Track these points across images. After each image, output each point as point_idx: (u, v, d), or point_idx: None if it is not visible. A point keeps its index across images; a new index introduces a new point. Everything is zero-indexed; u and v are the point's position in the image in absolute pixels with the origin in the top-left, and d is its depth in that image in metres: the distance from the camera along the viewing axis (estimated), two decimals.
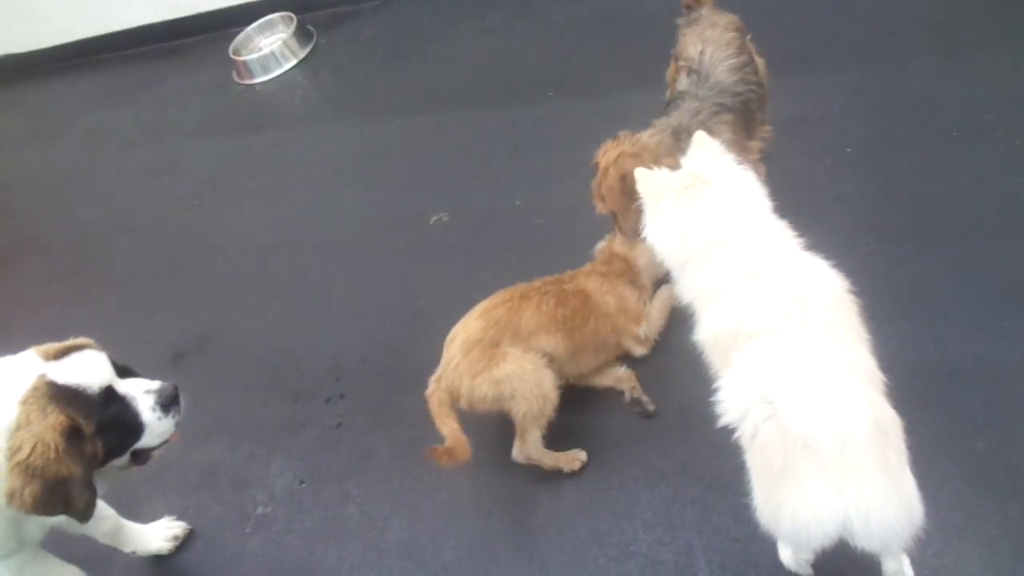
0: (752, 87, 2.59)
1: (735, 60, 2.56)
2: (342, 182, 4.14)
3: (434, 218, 3.63)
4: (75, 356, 1.90)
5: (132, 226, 4.42)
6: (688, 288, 1.99)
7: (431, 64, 4.73)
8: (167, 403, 2.04)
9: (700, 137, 2.05)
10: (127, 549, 2.62)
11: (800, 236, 1.99)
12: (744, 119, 2.57)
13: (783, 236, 1.94)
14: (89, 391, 1.87)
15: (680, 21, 2.81)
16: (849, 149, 3.09)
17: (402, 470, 2.71)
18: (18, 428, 1.76)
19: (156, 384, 2.05)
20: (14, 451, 1.75)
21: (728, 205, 1.92)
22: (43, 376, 1.82)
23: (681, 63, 2.68)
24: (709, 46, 2.57)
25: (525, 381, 2.33)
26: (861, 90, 3.31)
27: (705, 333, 1.93)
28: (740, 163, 2.05)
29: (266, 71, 5.21)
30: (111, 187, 4.85)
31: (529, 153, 3.76)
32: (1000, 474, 2.09)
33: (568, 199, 3.41)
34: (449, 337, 2.54)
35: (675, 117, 2.53)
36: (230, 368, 3.34)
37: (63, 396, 1.81)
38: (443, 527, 2.51)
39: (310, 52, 5.29)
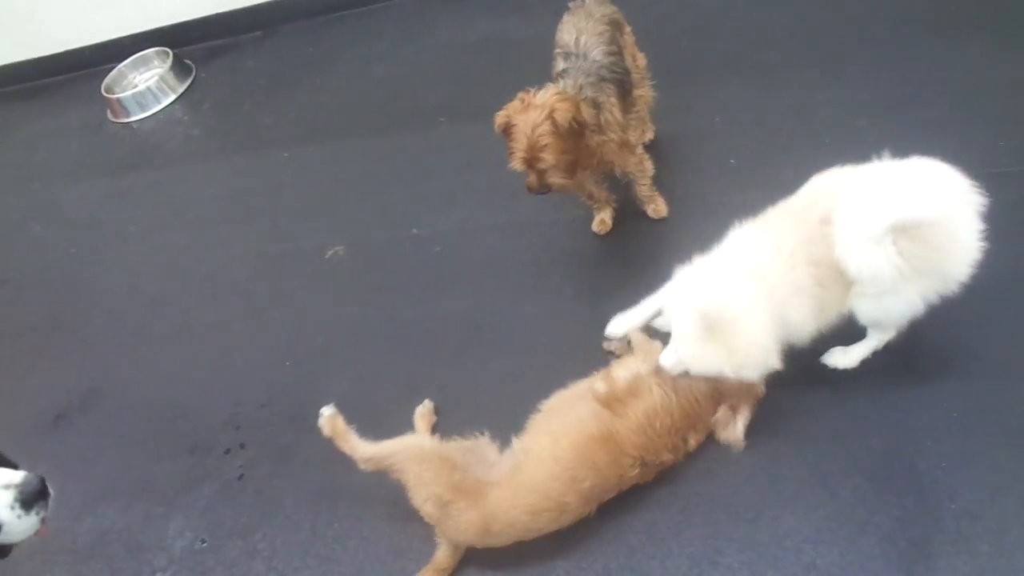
0: (621, 73, 2.75)
1: (607, 47, 2.72)
2: (231, 220, 3.98)
3: (330, 252, 3.53)
4: None
5: (2, 279, 4.13)
6: None
7: (318, 94, 4.63)
8: (29, 499, 1.81)
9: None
10: None
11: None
12: (621, 93, 2.73)
13: None
14: None
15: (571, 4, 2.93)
16: (733, 160, 3.19)
17: (311, 518, 2.59)
18: None
19: (18, 477, 1.82)
20: None
21: None
22: None
23: (557, 50, 2.79)
24: (583, 35, 2.72)
25: None
26: (741, 103, 3.42)
27: None
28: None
29: (143, 108, 4.98)
30: None
31: (423, 180, 3.71)
32: (895, 468, 2.17)
33: (465, 225, 3.40)
34: None
35: (562, 85, 2.62)
36: (119, 425, 3.14)
37: None
38: (356, 573, 2.41)
39: (189, 86, 5.10)
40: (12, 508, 1.79)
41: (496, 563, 2.30)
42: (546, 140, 2.43)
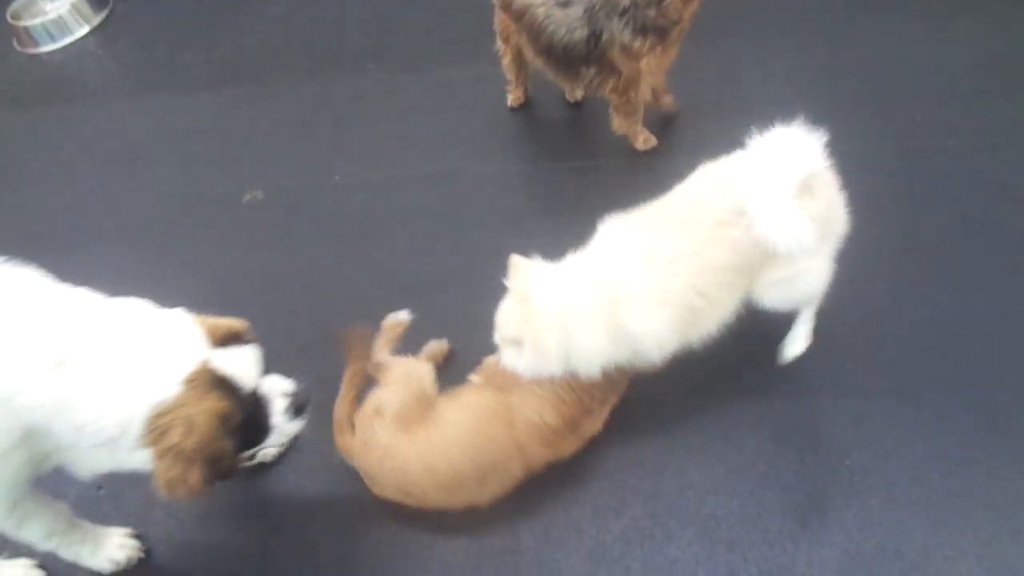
0: None
1: None
2: (144, 161, 3.78)
3: (247, 196, 3.40)
4: (239, 350, 1.83)
5: None
6: None
7: (243, 34, 4.43)
8: (300, 408, 1.95)
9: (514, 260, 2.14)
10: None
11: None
12: None
13: None
14: (243, 386, 1.79)
15: None
16: (662, 124, 3.20)
17: None
18: (169, 409, 1.66)
19: (292, 386, 1.94)
20: (160, 432, 1.65)
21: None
22: (207, 361, 1.73)
23: None
24: None
25: None
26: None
27: None
28: None
29: (53, 38, 4.68)
30: None
31: (349, 127, 3.61)
32: (798, 427, 2.24)
33: (389, 173, 3.33)
34: None
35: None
36: None
37: (222, 386, 1.74)
38: None
39: (105, 19, 4.81)
40: (284, 413, 1.91)
41: (410, 522, 2.28)
42: None
